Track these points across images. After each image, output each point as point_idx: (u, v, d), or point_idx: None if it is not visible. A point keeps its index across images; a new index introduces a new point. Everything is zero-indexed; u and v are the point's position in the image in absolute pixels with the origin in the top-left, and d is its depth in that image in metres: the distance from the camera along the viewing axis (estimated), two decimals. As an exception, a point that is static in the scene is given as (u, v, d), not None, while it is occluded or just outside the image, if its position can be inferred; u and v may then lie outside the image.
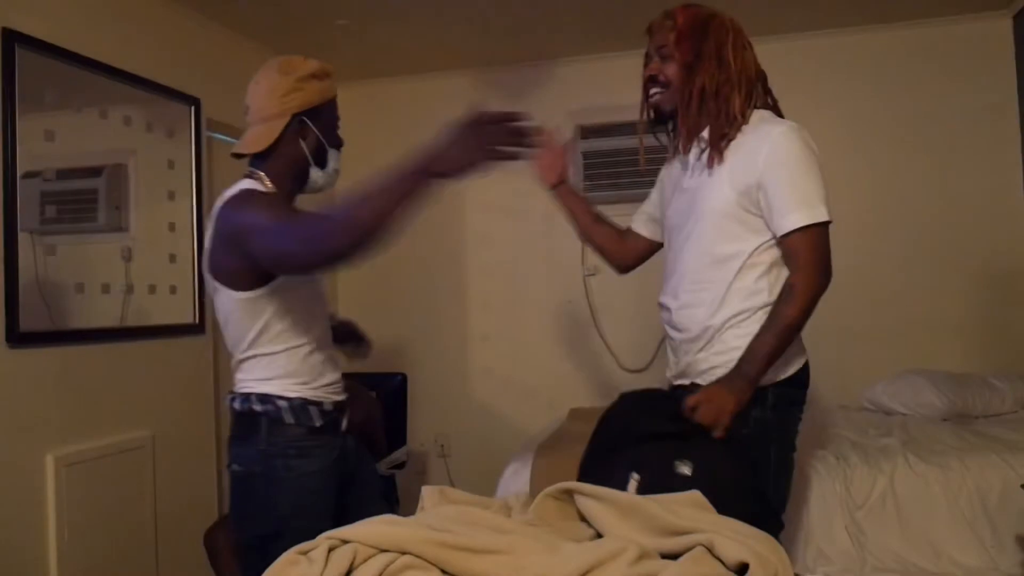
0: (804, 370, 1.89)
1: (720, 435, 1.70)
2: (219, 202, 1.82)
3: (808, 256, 1.75)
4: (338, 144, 1.92)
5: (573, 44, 4.15)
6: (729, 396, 1.71)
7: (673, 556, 1.22)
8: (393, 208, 1.48)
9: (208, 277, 1.84)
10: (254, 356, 1.83)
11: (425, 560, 1.17)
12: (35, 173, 2.72)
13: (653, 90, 1.95)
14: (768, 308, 1.81)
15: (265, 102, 1.83)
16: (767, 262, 1.83)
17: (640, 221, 2.26)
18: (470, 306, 4.52)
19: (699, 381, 1.85)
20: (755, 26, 3.85)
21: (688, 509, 1.34)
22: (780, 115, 1.93)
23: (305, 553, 1.19)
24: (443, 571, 1.17)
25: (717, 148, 1.85)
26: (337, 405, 1.92)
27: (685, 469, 1.58)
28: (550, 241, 4.35)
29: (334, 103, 1.91)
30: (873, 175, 3.97)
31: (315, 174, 1.89)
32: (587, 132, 4.21)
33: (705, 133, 1.88)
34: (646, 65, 1.98)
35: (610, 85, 4.26)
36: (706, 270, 1.86)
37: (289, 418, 1.81)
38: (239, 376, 1.88)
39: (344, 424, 1.95)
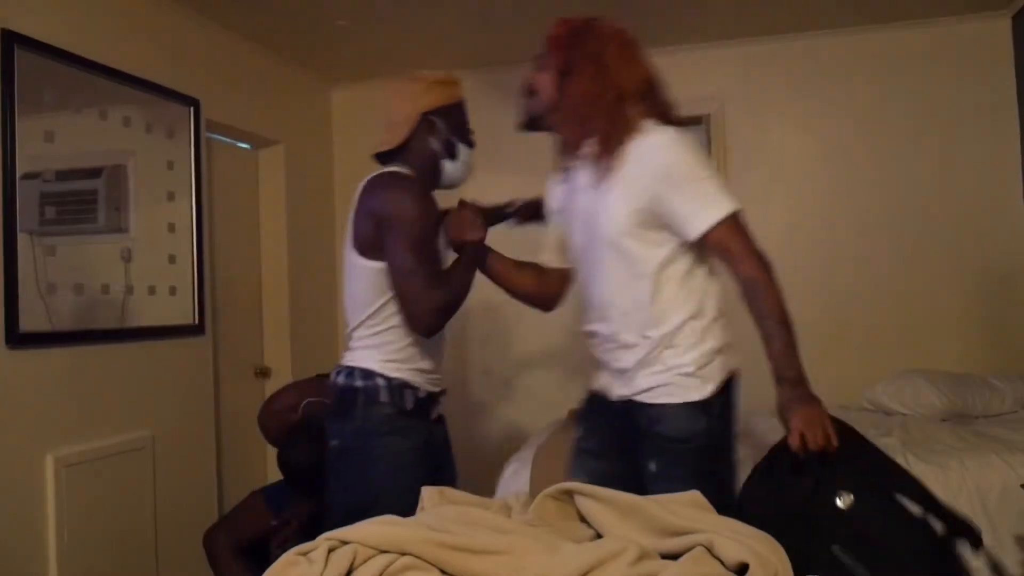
0: (734, 376, 1.85)
1: (836, 444, 1.61)
2: (363, 182, 2.03)
3: (739, 245, 1.72)
4: (469, 141, 2.14)
5: (572, 45, 4.15)
6: (810, 409, 1.63)
7: (673, 556, 1.22)
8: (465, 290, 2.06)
9: (347, 240, 2.02)
10: (368, 329, 2.00)
11: (425, 561, 1.17)
12: (35, 174, 2.72)
13: (526, 96, 1.94)
14: (697, 317, 1.79)
15: (397, 106, 2.09)
16: (681, 271, 1.79)
17: (551, 252, 2.16)
18: (469, 306, 4.50)
19: (640, 399, 1.81)
20: (753, 27, 3.90)
21: (688, 509, 1.34)
22: (679, 123, 1.86)
23: (305, 554, 1.19)
24: (443, 571, 1.17)
25: (604, 161, 1.78)
26: (431, 395, 2.07)
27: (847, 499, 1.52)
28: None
29: (461, 106, 2.15)
30: (873, 175, 3.97)
31: (448, 166, 2.11)
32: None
33: (590, 145, 1.81)
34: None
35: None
36: (624, 293, 1.81)
37: (384, 396, 1.97)
38: (350, 348, 2.05)
39: (435, 413, 2.10)
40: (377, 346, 2.00)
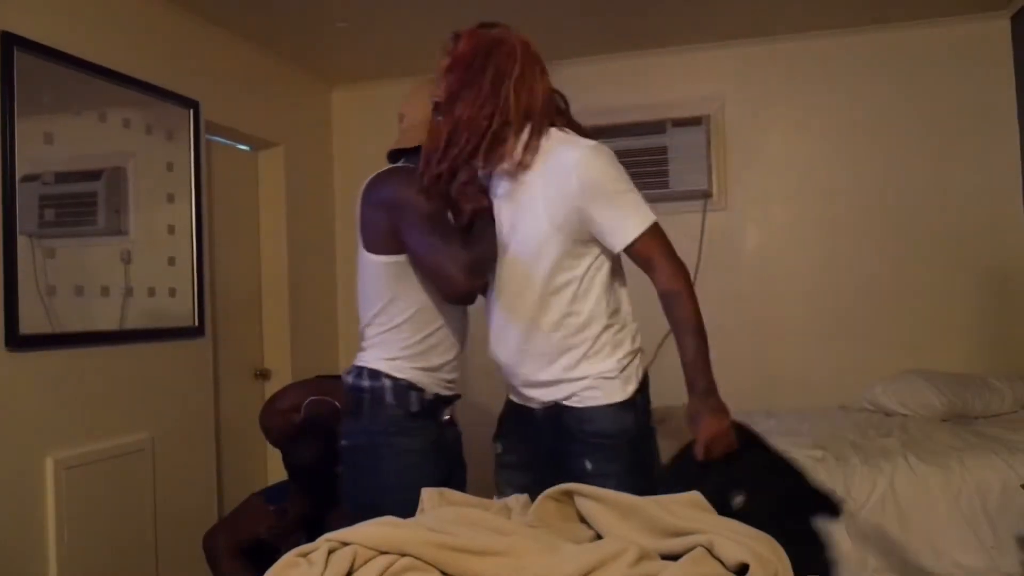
0: (646, 377, 1.91)
1: (737, 445, 1.75)
2: (369, 179, 2.04)
3: (658, 258, 1.78)
4: None
5: (574, 46, 4.15)
6: (716, 419, 1.74)
7: (673, 557, 1.22)
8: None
9: (358, 239, 2.04)
10: (377, 327, 2.01)
11: (425, 562, 1.17)
12: (34, 176, 2.72)
13: (434, 114, 1.90)
14: (614, 323, 1.83)
15: (413, 109, 2.10)
16: (601, 280, 1.83)
17: None
18: (470, 308, 4.51)
19: (570, 403, 1.83)
20: (753, 27, 3.90)
21: (688, 510, 1.34)
22: (581, 131, 1.89)
23: (305, 555, 1.19)
24: (443, 572, 1.16)
25: (513, 172, 1.80)
26: (440, 397, 2.06)
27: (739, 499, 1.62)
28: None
29: None
30: (872, 175, 3.97)
31: None
32: (587, 134, 4.21)
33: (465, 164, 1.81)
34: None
35: (611, 86, 4.27)
36: (546, 302, 1.82)
37: (389, 398, 1.98)
38: (361, 348, 2.06)
39: (445, 415, 2.11)
40: (384, 344, 2.01)
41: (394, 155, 2.14)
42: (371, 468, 1.99)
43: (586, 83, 4.30)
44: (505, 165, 1.81)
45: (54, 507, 2.66)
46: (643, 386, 1.88)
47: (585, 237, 1.79)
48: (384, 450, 1.98)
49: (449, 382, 2.13)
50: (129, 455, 2.99)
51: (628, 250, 1.79)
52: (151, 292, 3.20)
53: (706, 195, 4.06)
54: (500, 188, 1.87)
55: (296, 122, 4.33)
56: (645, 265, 1.80)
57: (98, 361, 2.92)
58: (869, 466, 2.67)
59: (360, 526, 1.25)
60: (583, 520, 1.39)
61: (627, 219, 1.77)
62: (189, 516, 3.24)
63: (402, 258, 1.96)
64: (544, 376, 1.86)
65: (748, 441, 1.81)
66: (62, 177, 2.89)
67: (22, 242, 2.63)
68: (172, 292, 3.32)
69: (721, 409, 1.75)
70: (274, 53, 4.06)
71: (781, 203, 4.06)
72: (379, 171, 2.05)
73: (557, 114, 1.90)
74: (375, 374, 1.99)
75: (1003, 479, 2.55)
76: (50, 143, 2.78)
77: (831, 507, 1.78)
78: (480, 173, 1.86)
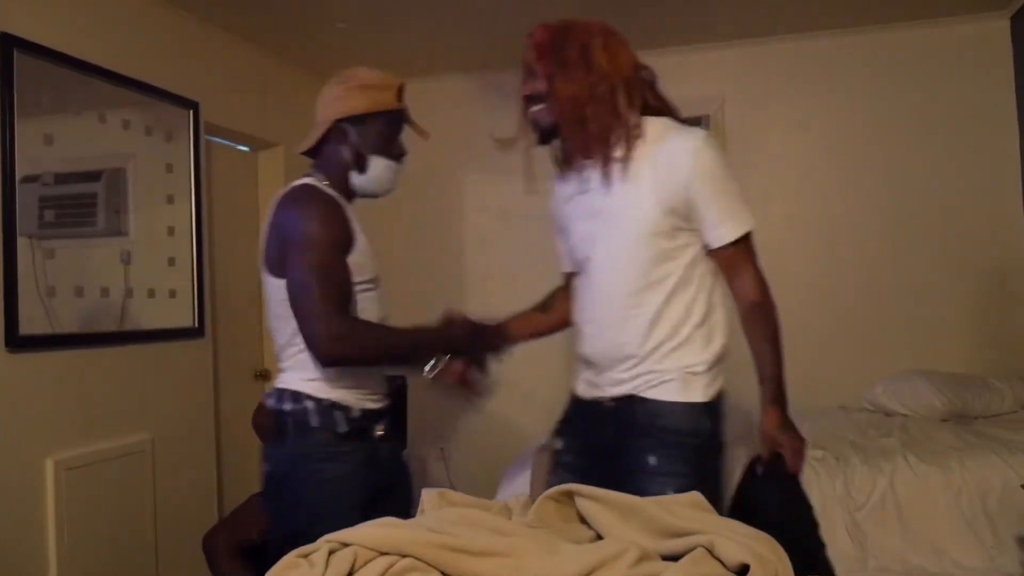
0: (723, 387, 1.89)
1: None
2: (277, 196, 1.93)
3: (749, 268, 1.77)
4: (388, 153, 1.99)
5: (571, 46, 4.15)
6: (797, 439, 1.73)
7: (674, 557, 1.22)
8: (399, 359, 1.95)
9: (262, 263, 1.91)
10: (293, 348, 1.87)
11: (425, 562, 1.16)
12: (34, 177, 2.72)
13: (530, 107, 1.89)
14: (708, 321, 1.80)
15: (319, 107, 1.97)
16: (699, 279, 1.79)
17: (567, 260, 2.12)
18: (469, 309, 4.51)
19: (645, 395, 1.80)
20: (753, 28, 3.90)
21: (688, 510, 1.33)
22: (679, 118, 1.85)
23: (306, 556, 1.19)
24: (443, 573, 1.16)
25: (612, 158, 1.77)
26: (368, 413, 1.92)
27: None
28: (549, 244, 4.33)
29: (391, 115, 1.98)
30: (872, 175, 3.97)
31: (354, 179, 1.98)
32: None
33: (595, 144, 1.79)
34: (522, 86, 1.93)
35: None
36: (635, 295, 1.79)
37: (315, 421, 1.84)
38: (280, 370, 1.94)
39: (377, 432, 1.94)
40: (304, 364, 1.85)
41: (309, 155, 2.02)
42: (295, 497, 1.85)
43: (586, 83, 4.31)
44: (617, 152, 1.77)
45: (54, 508, 2.66)
46: (721, 395, 1.82)
47: (691, 226, 1.75)
48: (308, 478, 1.84)
49: (377, 394, 1.97)
50: (129, 456, 2.99)
51: (720, 250, 1.75)
52: (151, 293, 3.20)
53: (706, 195, 4.05)
54: (594, 179, 1.82)
55: (296, 123, 4.31)
56: (731, 270, 1.77)
57: (98, 362, 2.92)
58: (869, 466, 2.67)
59: (361, 527, 1.25)
60: (583, 521, 1.39)
61: (730, 219, 1.74)
62: (189, 517, 3.24)
63: None
64: (628, 367, 1.81)
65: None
66: (62, 178, 2.89)
67: (22, 243, 2.63)
68: (172, 293, 3.32)
69: (790, 424, 1.74)
70: (274, 54, 4.06)
71: (781, 203, 4.05)
72: (287, 188, 1.93)
73: (648, 87, 1.85)
74: (297, 396, 1.85)
75: (1003, 479, 2.55)
76: (50, 144, 2.78)
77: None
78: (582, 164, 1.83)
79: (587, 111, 1.76)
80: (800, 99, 4.07)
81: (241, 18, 3.60)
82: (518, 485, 2.79)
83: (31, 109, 2.69)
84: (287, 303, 1.82)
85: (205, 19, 3.56)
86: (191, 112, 3.44)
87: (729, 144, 4.11)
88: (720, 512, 1.62)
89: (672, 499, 1.38)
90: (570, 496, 1.41)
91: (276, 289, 1.86)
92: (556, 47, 1.81)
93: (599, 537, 1.33)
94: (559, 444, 1.99)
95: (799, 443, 1.72)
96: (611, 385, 1.85)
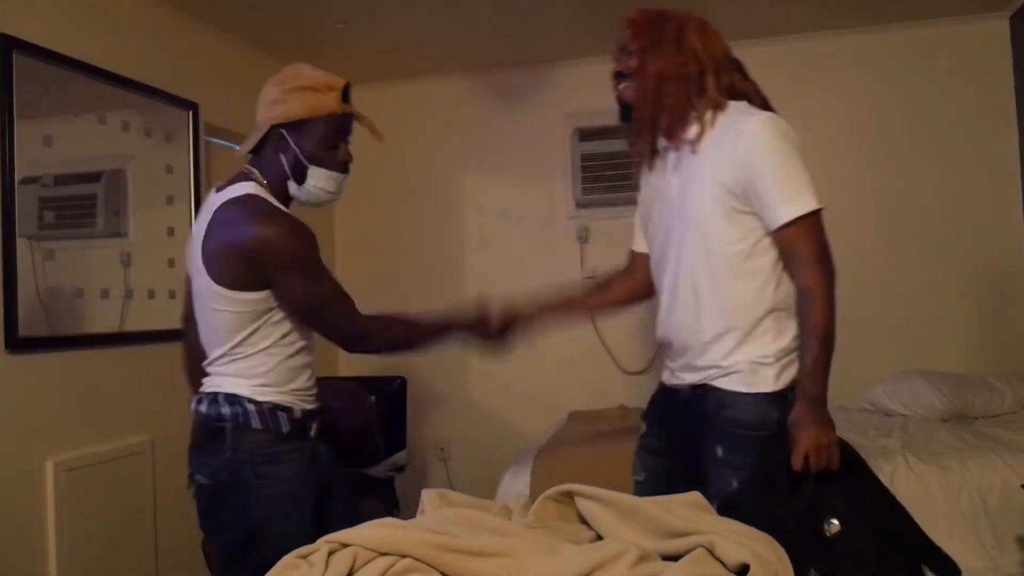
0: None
1: (836, 466, 1.65)
2: (217, 199, 1.80)
3: (806, 251, 1.70)
4: (328, 163, 1.85)
5: (571, 47, 4.16)
6: (822, 430, 1.65)
7: (674, 558, 1.22)
8: (418, 346, 2.00)
9: (197, 267, 1.80)
10: (235, 354, 1.79)
11: (425, 563, 1.16)
12: (33, 179, 2.72)
13: (619, 84, 1.90)
14: (781, 309, 1.77)
15: (258, 107, 1.88)
16: (767, 263, 1.76)
17: (640, 240, 2.10)
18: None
19: (715, 384, 1.79)
20: (753, 28, 3.90)
21: (688, 510, 1.34)
22: (766, 104, 1.85)
23: (305, 557, 1.19)
24: (443, 574, 1.16)
25: (687, 138, 1.78)
26: (307, 412, 1.87)
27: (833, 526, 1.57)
28: (549, 244, 4.35)
29: (333, 119, 1.84)
30: (871, 176, 3.97)
31: (292, 188, 1.86)
32: (585, 135, 4.22)
33: (673, 122, 1.80)
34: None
35: (608, 88, 4.25)
36: (705, 279, 1.79)
37: (256, 423, 1.78)
38: (210, 375, 1.84)
39: (313, 430, 1.90)
40: (243, 371, 1.79)
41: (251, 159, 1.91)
42: (240, 506, 1.77)
43: (586, 84, 4.30)
44: (690, 134, 1.78)
45: (54, 510, 2.66)
46: (796, 383, 1.78)
47: (752, 209, 1.73)
48: (252, 482, 1.76)
49: (311, 397, 1.91)
50: (129, 457, 2.99)
51: (778, 232, 1.71)
52: (151, 294, 3.20)
53: (706, 196, 4.06)
54: (670, 162, 1.84)
55: (295, 124, 4.32)
56: (788, 253, 1.73)
57: (98, 363, 2.92)
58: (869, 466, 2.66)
59: (360, 527, 1.25)
60: (583, 521, 1.39)
61: (788, 200, 1.69)
62: (189, 519, 3.21)
63: (264, 294, 1.76)
64: (701, 355, 1.80)
65: (853, 465, 1.69)
66: (61, 179, 2.89)
67: (21, 244, 2.63)
68: (172, 294, 3.31)
69: (827, 420, 1.66)
70: (273, 55, 4.05)
71: (780, 204, 4.05)
72: (228, 199, 1.79)
73: (738, 72, 1.86)
74: (234, 399, 1.78)
75: (1003, 479, 2.55)
76: (49, 145, 2.78)
77: (945, 568, 1.65)
78: (661, 146, 1.85)
79: (668, 87, 1.78)
80: (799, 99, 4.05)
81: (240, 19, 3.60)
82: (518, 485, 2.79)
83: (31, 110, 2.69)
84: (240, 314, 1.76)
85: (204, 20, 3.56)
86: (190, 113, 3.44)
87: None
88: (792, 498, 1.64)
89: (672, 499, 1.38)
90: (570, 496, 1.41)
91: (227, 301, 1.75)
92: (651, 26, 1.83)
93: (599, 537, 1.33)
94: (643, 427, 2.01)
95: (813, 440, 1.62)
96: (686, 372, 1.86)
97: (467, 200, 4.51)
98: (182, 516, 3.20)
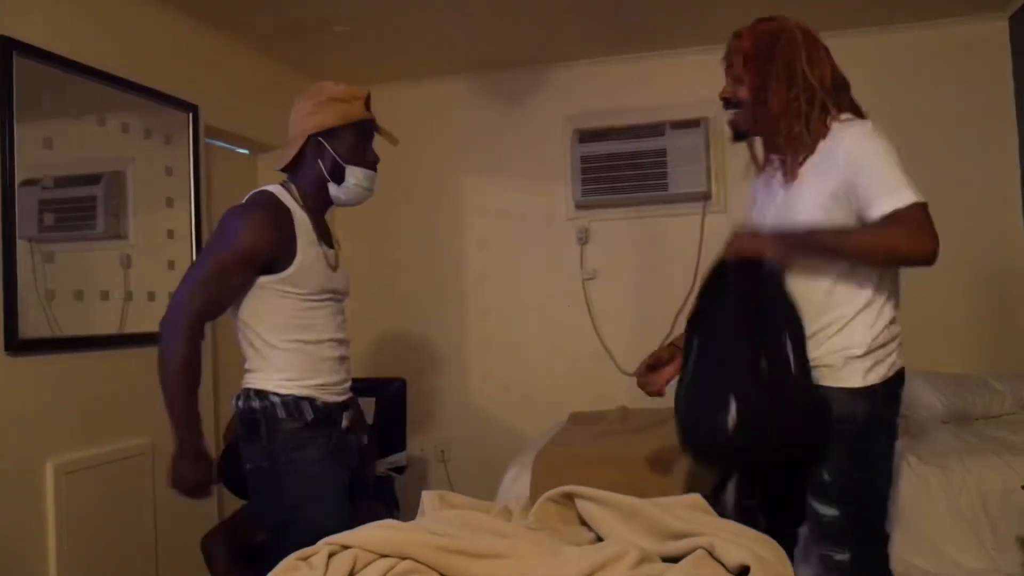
0: (902, 371, 1.95)
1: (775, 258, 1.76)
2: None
3: (907, 223, 1.77)
4: (363, 163, 2.07)
5: (571, 48, 4.16)
6: (768, 240, 1.77)
7: (674, 559, 1.22)
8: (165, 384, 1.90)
9: None
10: (250, 346, 2.00)
11: (425, 565, 1.16)
12: (33, 181, 2.72)
13: (729, 111, 1.98)
14: (873, 305, 1.88)
15: (292, 123, 2.09)
16: (866, 270, 1.86)
17: None
18: (469, 311, 4.52)
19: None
20: (752, 29, 3.90)
21: (689, 512, 1.34)
22: (862, 116, 1.94)
23: (306, 559, 1.19)
24: (443, 575, 1.16)
25: (794, 164, 1.87)
26: (331, 405, 2.03)
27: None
28: (549, 246, 4.35)
29: (361, 125, 2.07)
30: (871, 177, 3.97)
31: (333, 189, 2.07)
32: (585, 136, 4.22)
33: (782, 151, 1.90)
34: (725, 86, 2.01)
35: (608, 89, 4.28)
36: (803, 283, 1.84)
37: (282, 413, 1.95)
38: (245, 370, 2.03)
39: (344, 421, 2.06)
40: (269, 366, 1.98)
41: (289, 175, 2.13)
42: (275, 488, 1.96)
43: (585, 85, 4.31)
44: (795, 146, 1.87)
45: (54, 512, 2.66)
46: (894, 379, 1.88)
47: (852, 210, 1.80)
48: (285, 467, 1.95)
49: (342, 390, 2.09)
50: (129, 459, 2.99)
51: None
52: (151, 296, 3.20)
53: (705, 197, 4.06)
54: (778, 176, 1.93)
55: (295, 126, 4.33)
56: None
57: (98, 365, 2.92)
58: (869, 467, 2.66)
59: (361, 529, 1.25)
60: (584, 523, 1.39)
61: (886, 195, 1.75)
62: (189, 520, 3.23)
63: (275, 278, 1.95)
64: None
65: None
66: (61, 181, 2.88)
67: (21, 247, 2.63)
68: (171, 296, 3.31)
69: (787, 243, 1.76)
70: (273, 57, 4.06)
71: (780, 205, 4.05)
72: (255, 191, 2.08)
73: (843, 95, 1.95)
74: (262, 394, 1.96)
75: (1003, 480, 2.55)
76: (49, 148, 2.78)
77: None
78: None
79: (782, 124, 1.86)
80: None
81: (240, 21, 3.60)
82: (518, 487, 2.79)
83: (31, 113, 2.69)
84: (251, 311, 1.97)
85: (204, 22, 3.56)
86: (190, 115, 3.44)
87: (728, 146, 4.10)
88: (888, 486, 1.86)
89: (673, 500, 1.38)
90: (570, 498, 1.42)
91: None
92: (762, 58, 1.89)
93: (599, 539, 1.33)
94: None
95: (747, 241, 1.77)
96: None
97: (467, 201, 4.52)
98: (182, 518, 3.21)
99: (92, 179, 3.03)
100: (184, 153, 3.41)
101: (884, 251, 1.78)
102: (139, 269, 3.15)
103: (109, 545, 2.87)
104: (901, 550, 2.54)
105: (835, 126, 1.86)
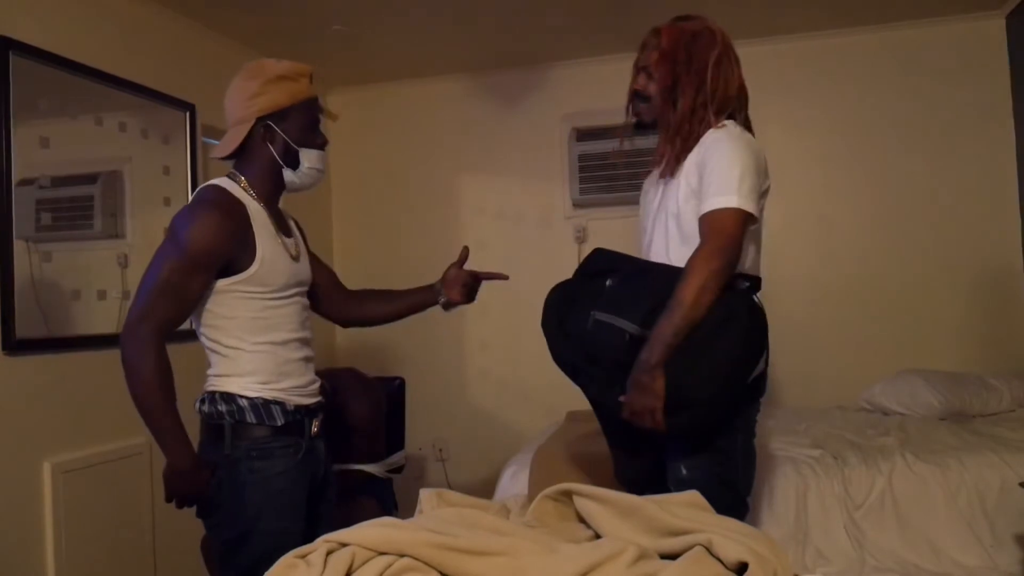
0: (760, 377, 1.90)
1: (665, 430, 1.74)
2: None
3: (709, 236, 1.78)
4: (315, 144, 1.95)
5: (567, 47, 4.16)
6: (645, 397, 1.73)
7: (672, 556, 1.22)
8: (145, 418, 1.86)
9: None
10: (215, 350, 1.88)
11: (424, 562, 1.16)
12: (30, 180, 2.72)
13: (637, 103, 2.03)
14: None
15: (233, 106, 1.93)
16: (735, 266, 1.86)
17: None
18: (467, 310, 4.50)
19: None
20: (750, 28, 3.91)
21: (687, 509, 1.33)
22: (749, 129, 1.99)
23: (303, 556, 1.19)
24: (442, 573, 1.16)
25: (674, 162, 1.93)
26: (302, 408, 1.91)
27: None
28: (546, 244, 4.35)
29: (309, 103, 1.94)
30: (868, 176, 3.98)
31: (288, 175, 1.94)
32: (582, 135, 4.22)
33: (674, 147, 1.95)
34: (634, 77, 2.04)
35: (604, 88, 4.26)
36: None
37: (251, 417, 1.83)
38: (208, 374, 1.91)
39: (313, 428, 1.94)
40: (235, 368, 1.86)
41: (234, 162, 2.00)
42: (236, 499, 1.82)
43: (583, 84, 4.31)
44: (682, 146, 1.93)
45: (51, 512, 2.65)
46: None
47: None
48: (246, 476, 1.82)
49: (311, 392, 1.96)
50: (127, 459, 2.98)
51: (700, 221, 1.82)
52: (148, 296, 3.19)
53: (703, 196, 4.07)
54: (657, 173, 2.01)
55: (292, 125, 4.32)
56: (701, 238, 1.81)
57: (95, 365, 2.91)
58: (867, 465, 2.66)
59: (359, 527, 1.24)
60: (582, 520, 1.39)
61: (716, 194, 1.80)
62: (187, 520, 3.21)
63: (237, 279, 1.83)
64: None
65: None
66: (58, 181, 2.88)
67: (18, 246, 2.63)
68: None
69: (652, 387, 1.72)
70: (270, 56, 4.05)
71: (778, 202, 4.04)
72: (204, 185, 1.96)
73: (741, 107, 1.99)
74: (229, 397, 1.84)
75: (1001, 478, 2.55)
76: (46, 147, 2.78)
77: None
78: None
79: (684, 124, 1.92)
80: (795, 99, 4.07)
81: (237, 21, 3.60)
82: (516, 485, 2.79)
83: (28, 112, 2.69)
84: (213, 317, 1.87)
85: (201, 22, 3.56)
86: (187, 114, 3.44)
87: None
88: (748, 487, 1.92)
89: (670, 498, 1.38)
90: (568, 496, 1.41)
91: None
92: (677, 59, 1.93)
93: (597, 536, 1.33)
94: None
95: (639, 403, 1.75)
96: None
97: (464, 200, 4.51)
98: (179, 518, 3.20)
99: (89, 178, 3.03)
100: (181, 153, 3.41)
101: (705, 287, 1.74)
102: (136, 268, 3.15)
103: (107, 545, 2.86)
104: (899, 549, 2.54)
105: (711, 130, 1.90)
